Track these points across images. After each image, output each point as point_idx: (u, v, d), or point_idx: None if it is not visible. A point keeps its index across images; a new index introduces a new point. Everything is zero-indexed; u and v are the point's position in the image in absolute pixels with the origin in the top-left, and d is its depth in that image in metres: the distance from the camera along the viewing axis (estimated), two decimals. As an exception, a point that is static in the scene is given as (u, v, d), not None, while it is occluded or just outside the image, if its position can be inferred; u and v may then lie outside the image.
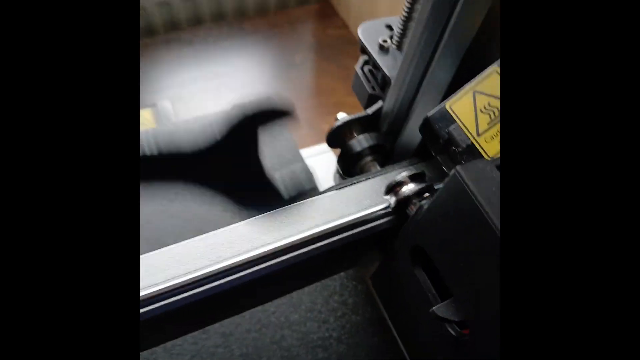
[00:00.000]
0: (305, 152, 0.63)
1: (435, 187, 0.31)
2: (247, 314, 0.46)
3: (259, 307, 0.46)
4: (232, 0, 1.17)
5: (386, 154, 0.36)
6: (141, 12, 1.07)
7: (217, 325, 0.45)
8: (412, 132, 0.34)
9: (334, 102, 0.99)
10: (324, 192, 0.32)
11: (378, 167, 0.36)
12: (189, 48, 1.06)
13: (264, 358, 0.43)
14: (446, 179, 0.23)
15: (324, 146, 0.70)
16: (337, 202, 0.31)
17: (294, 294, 0.48)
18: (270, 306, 0.46)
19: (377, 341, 0.45)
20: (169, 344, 0.44)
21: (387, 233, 0.31)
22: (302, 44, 1.13)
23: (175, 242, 0.29)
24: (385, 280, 0.35)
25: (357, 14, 1.11)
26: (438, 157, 0.26)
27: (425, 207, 0.26)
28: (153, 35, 1.10)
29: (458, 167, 0.22)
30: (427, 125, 0.26)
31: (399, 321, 0.35)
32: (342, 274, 0.50)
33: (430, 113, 0.26)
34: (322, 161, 0.66)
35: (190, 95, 0.97)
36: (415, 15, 0.34)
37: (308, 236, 0.29)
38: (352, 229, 0.30)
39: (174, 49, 1.05)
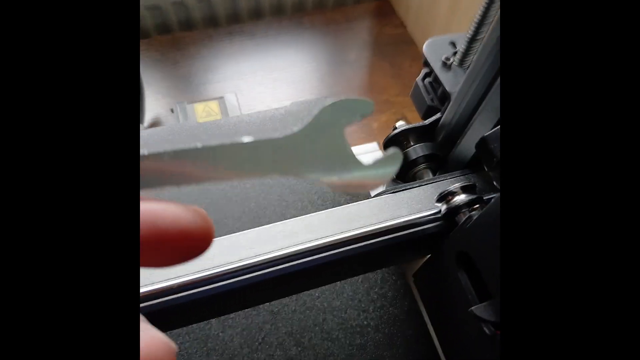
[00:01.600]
0: (355, 150, 0.66)
1: (485, 198, 0.34)
2: (294, 296, 0.50)
3: (306, 292, 0.51)
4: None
5: (439, 163, 0.39)
6: (204, 3, 1.12)
7: (266, 304, 0.49)
8: (466, 146, 0.36)
9: (384, 100, 1.02)
10: (380, 193, 0.36)
11: (430, 175, 0.39)
12: (250, 41, 1.11)
13: (306, 337, 0.48)
14: (497, 196, 0.26)
15: (372, 145, 0.73)
16: (392, 204, 0.34)
17: (338, 283, 0.51)
18: (315, 291, 0.51)
19: (412, 333, 0.48)
20: (222, 317, 0.49)
21: (435, 237, 0.34)
22: (357, 41, 1.15)
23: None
24: (427, 279, 0.38)
25: (415, 13, 1.12)
26: (491, 173, 0.29)
27: (475, 217, 0.28)
28: (216, 26, 1.16)
29: (510, 187, 0.24)
30: (483, 144, 0.29)
31: (436, 317, 0.38)
32: (384, 269, 0.53)
33: (487, 134, 0.29)
34: (369, 160, 0.69)
35: (248, 87, 1.02)
36: (481, 36, 0.37)
37: (362, 233, 0.32)
38: (403, 230, 0.33)
39: (236, 41, 1.10)
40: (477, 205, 0.31)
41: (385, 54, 1.10)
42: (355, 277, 0.53)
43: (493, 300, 0.28)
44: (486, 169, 0.29)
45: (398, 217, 0.33)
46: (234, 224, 0.54)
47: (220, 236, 0.32)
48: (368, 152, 0.71)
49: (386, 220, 0.33)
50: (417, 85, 0.43)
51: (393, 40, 1.14)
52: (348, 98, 0.16)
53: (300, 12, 1.22)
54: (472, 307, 0.29)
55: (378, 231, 0.33)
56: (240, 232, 0.32)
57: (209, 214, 0.14)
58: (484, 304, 0.28)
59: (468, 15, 0.92)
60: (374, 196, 0.36)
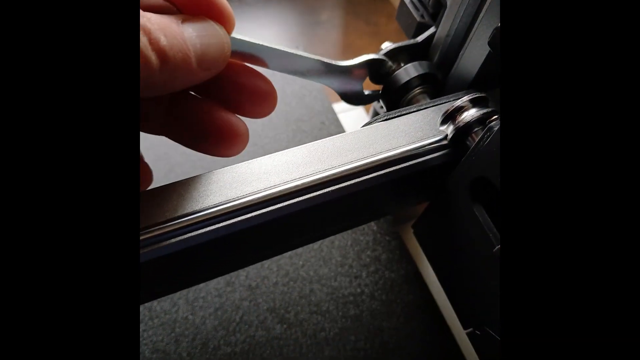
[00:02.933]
0: (335, 107, 0.59)
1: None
2: (274, 266, 0.43)
3: (287, 260, 0.44)
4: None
5: (437, 87, 0.32)
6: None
7: (242, 277, 0.42)
8: (470, 58, 0.29)
9: (361, 62, 0.94)
10: (368, 123, 0.29)
11: (428, 100, 0.32)
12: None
13: (292, 312, 0.41)
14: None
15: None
16: (385, 133, 0.27)
17: (324, 247, 0.45)
18: (298, 259, 0.44)
19: (413, 298, 0.42)
20: (191, 296, 0.42)
21: (442, 169, 0.28)
22: (329, 0, 1.07)
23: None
24: (432, 227, 0.32)
25: (388, -32, 1.05)
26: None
27: (496, 128, 0.22)
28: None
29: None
30: (497, 38, 0.22)
31: (446, 273, 0.31)
32: (374, 228, 0.46)
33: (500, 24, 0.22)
34: (351, 117, 0.62)
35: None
36: None
37: (347, 170, 0.25)
38: (399, 163, 0.26)
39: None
40: (495, 117, 0.24)
41: (359, 12, 1.02)
42: (344, 240, 0.46)
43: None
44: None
45: (393, 149, 0.27)
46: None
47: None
48: (349, 109, 0.64)
49: (378, 153, 0.26)
50: (402, 3, 0.36)
51: (367, -3, 1.06)
52: None
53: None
54: (497, 247, 0.22)
55: (368, 167, 0.26)
56: (200, 175, 0.25)
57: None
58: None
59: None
60: (362, 126, 0.29)
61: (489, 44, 0.23)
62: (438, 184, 0.29)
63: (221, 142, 0.25)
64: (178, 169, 0.49)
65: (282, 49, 0.26)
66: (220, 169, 0.25)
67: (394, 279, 0.43)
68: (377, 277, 0.43)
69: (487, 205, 0.25)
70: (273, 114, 0.55)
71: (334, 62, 0.29)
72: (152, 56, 0.17)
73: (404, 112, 0.28)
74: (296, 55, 0.27)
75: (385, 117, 0.28)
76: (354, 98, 0.33)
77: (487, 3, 0.26)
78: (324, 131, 0.53)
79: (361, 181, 0.26)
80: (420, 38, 0.32)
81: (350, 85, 0.32)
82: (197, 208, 0.23)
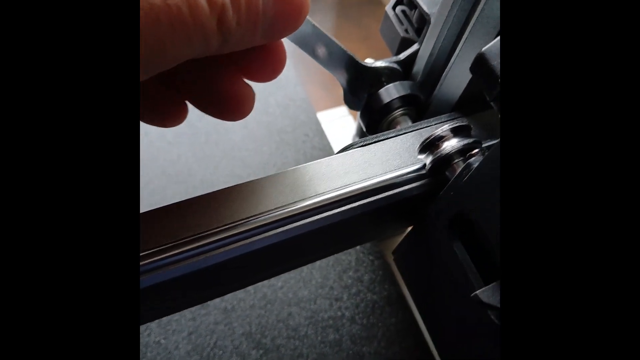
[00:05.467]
0: (320, 116, 0.57)
1: (484, 145, 0.26)
2: (251, 288, 0.41)
3: (265, 282, 0.42)
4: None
5: (420, 108, 0.31)
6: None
7: (218, 300, 0.41)
8: (453, 80, 0.28)
9: (352, 67, 0.93)
10: (345, 148, 0.27)
11: (410, 123, 0.30)
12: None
13: (269, 337, 0.39)
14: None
15: (342, 110, 0.64)
16: (360, 161, 0.26)
17: (304, 268, 0.43)
18: (277, 281, 0.42)
19: (396, 322, 0.40)
20: (164, 319, 0.40)
21: (419, 200, 0.26)
22: (320, 3, 1.05)
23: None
24: (411, 256, 0.30)
25: (381, -29, 1.03)
26: (494, 105, 0.21)
27: (475, 165, 0.20)
28: None
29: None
30: (481, 63, 0.20)
31: (425, 303, 0.30)
32: (358, 247, 0.45)
33: (486, 47, 0.20)
34: (338, 126, 0.60)
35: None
36: None
37: (321, 202, 0.24)
38: (374, 194, 0.25)
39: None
40: (477, 150, 0.22)
41: (350, 15, 1.01)
42: (326, 260, 0.44)
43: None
44: (487, 99, 0.21)
45: (369, 178, 0.25)
46: (176, 206, 0.45)
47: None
48: (337, 118, 0.62)
49: (353, 184, 0.25)
50: (387, 16, 0.34)
51: (358, 1, 1.04)
52: None
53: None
54: (477, 292, 0.21)
55: (342, 198, 0.24)
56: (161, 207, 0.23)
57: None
58: (491, 286, 0.20)
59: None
60: (338, 152, 0.27)
61: (471, 70, 0.21)
62: (418, 211, 0.27)
63: (232, 107, 0.23)
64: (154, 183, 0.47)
65: (319, 29, 0.27)
66: (189, 199, 0.23)
67: (376, 301, 0.42)
68: (358, 299, 0.42)
69: (466, 242, 0.24)
70: (255, 124, 0.53)
71: (359, 60, 0.29)
72: (214, 34, 0.15)
73: (382, 138, 0.27)
74: (325, 33, 0.27)
75: (363, 143, 0.27)
76: (357, 102, 0.32)
77: (471, 23, 0.25)
78: (307, 144, 0.52)
79: (335, 214, 0.24)
80: (402, 55, 0.31)
81: (361, 89, 0.31)
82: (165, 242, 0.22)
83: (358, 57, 0.28)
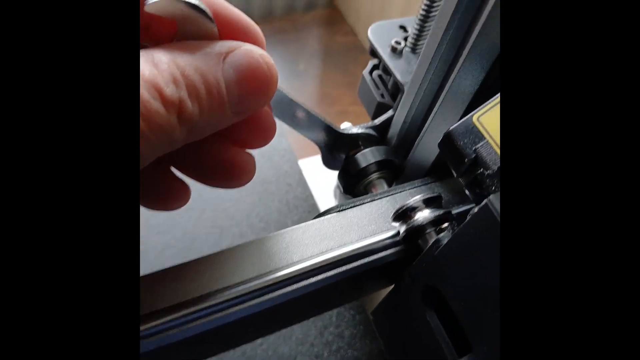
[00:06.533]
0: (304, 163, 0.58)
1: (454, 212, 0.26)
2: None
3: (245, 337, 0.41)
4: (237, 5, 1.13)
5: (395, 172, 0.31)
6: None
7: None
8: (426, 147, 0.29)
9: (337, 110, 0.95)
10: (323, 213, 0.27)
11: (385, 186, 0.31)
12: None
13: (247, 396, 0.38)
14: (473, 211, 0.18)
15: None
16: (337, 227, 0.26)
17: (285, 322, 0.42)
18: (257, 336, 0.41)
19: (377, 381, 0.40)
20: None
21: (395, 265, 0.26)
22: (307, 51, 1.09)
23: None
24: (388, 320, 0.30)
25: (366, 20, 1.08)
26: (461, 180, 0.21)
27: (444, 242, 0.21)
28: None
29: (491, 198, 0.17)
30: (448, 142, 0.21)
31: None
32: (339, 302, 0.44)
33: (453, 127, 0.21)
34: (322, 174, 0.61)
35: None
36: (435, 12, 0.30)
37: (298, 270, 0.24)
38: (351, 261, 0.25)
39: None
40: (446, 225, 0.23)
41: (336, 63, 1.04)
42: (307, 314, 0.44)
43: (474, 351, 0.20)
44: (455, 175, 0.22)
45: (346, 244, 0.25)
46: (156, 258, 0.45)
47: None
48: (319, 164, 0.63)
49: (330, 250, 0.25)
50: (363, 80, 0.36)
51: (344, 48, 1.08)
52: None
53: (245, 22, 1.15)
54: (451, 363, 0.21)
55: (319, 265, 0.24)
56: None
57: None
58: (464, 358, 0.21)
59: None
60: (315, 217, 0.27)
61: (439, 146, 0.22)
62: (396, 273, 0.28)
63: (234, 175, 0.24)
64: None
65: (293, 99, 0.27)
66: (160, 271, 0.23)
67: (357, 357, 0.41)
68: (339, 356, 0.41)
69: (440, 311, 0.24)
70: (239, 175, 0.54)
71: (333, 126, 0.29)
72: (177, 129, 0.16)
73: (358, 203, 0.28)
74: (301, 104, 0.28)
75: (339, 209, 0.27)
76: (335, 163, 0.32)
77: (442, 97, 0.26)
78: (290, 194, 0.52)
79: (312, 282, 0.24)
80: (378, 121, 0.32)
81: (338, 152, 0.32)
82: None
83: (334, 125, 0.30)
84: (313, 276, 0.24)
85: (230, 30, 0.20)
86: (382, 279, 0.29)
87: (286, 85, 0.98)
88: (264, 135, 0.24)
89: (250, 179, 0.25)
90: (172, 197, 0.24)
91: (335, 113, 0.95)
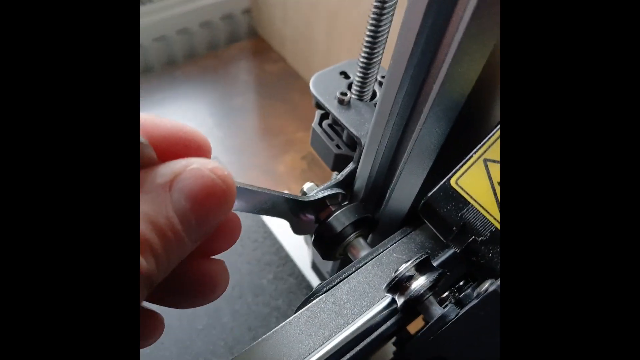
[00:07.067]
0: (265, 221, 0.56)
1: (438, 258, 0.25)
2: None
3: None
4: (158, 49, 1.09)
5: (370, 224, 0.30)
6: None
7: None
8: (398, 201, 0.28)
9: (284, 140, 0.93)
10: (308, 299, 0.25)
11: (363, 243, 0.29)
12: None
13: None
14: (481, 296, 0.17)
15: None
16: (329, 311, 0.24)
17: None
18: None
19: None
20: None
21: (395, 332, 0.25)
22: (239, 85, 1.06)
23: None
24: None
25: (292, 44, 1.07)
26: (452, 246, 0.20)
27: (451, 317, 0.19)
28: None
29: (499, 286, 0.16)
30: (429, 210, 0.20)
31: None
32: None
33: (431, 193, 0.20)
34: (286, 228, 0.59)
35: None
36: (377, 57, 0.29)
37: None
38: (352, 347, 0.23)
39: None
40: (447, 294, 0.22)
41: (271, 92, 1.02)
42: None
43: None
44: (445, 242, 0.20)
45: (342, 330, 0.23)
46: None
47: None
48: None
49: (326, 343, 0.23)
50: (314, 132, 0.34)
51: (276, 76, 1.07)
52: None
53: (170, 66, 1.10)
54: None
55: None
56: None
57: None
58: None
59: (346, 37, 0.88)
60: (302, 303, 0.25)
61: (420, 214, 0.21)
62: (395, 336, 0.26)
63: (205, 292, 0.21)
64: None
65: (246, 186, 0.23)
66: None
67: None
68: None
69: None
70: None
71: (297, 198, 0.27)
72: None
73: (343, 277, 0.26)
74: (260, 191, 0.24)
75: (326, 289, 0.25)
76: (305, 229, 0.30)
77: (407, 153, 0.25)
78: (258, 251, 0.50)
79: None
80: (341, 176, 0.30)
81: (306, 218, 0.29)
82: None
83: (296, 196, 0.28)
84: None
85: (167, 146, 0.17)
86: (384, 342, 0.28)
87: (226, 122, 0.95)
88: (230, 236, 0.22)
89: (226, 287, 0.22)
90: (146, 333, 0.21)
91: (281, 144, 0.93)
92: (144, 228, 0.14)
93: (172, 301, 0.21)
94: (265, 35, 1.17)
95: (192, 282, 0.21)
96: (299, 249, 0.51)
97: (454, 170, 0.20)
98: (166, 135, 0.17)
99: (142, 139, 0.15)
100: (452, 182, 0.20)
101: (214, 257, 0.22)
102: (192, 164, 0.16)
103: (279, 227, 0.54)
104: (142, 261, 0.14)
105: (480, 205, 0.19)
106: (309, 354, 0.23)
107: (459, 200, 0.19)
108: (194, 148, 0.18)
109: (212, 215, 0.16)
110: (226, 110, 0.99)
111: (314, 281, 0.49)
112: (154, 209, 0.15)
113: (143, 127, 0.17)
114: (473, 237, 0.19)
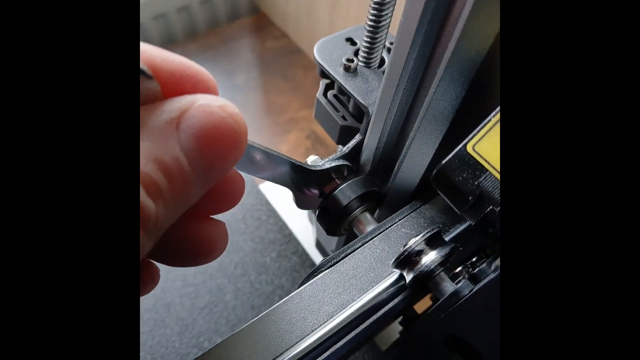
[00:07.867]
0: (267, 189, 0.54)
1: (450, 233, 0.24)
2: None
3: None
4: (157, 28, 1.06)
5: (377, 199, 0.29)
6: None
7: None
8: (407, 173, 0.26)
9: (287, 118, 0.91)
10: (313, 273, 0.24)
11: (369, 218, 0.28)
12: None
13: None
14: (497, 263, 0.16)
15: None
16: (332, 287, 0.23)
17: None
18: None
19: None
20: None
21: (404, 309, 0.24)
22: (241, 62, 1.04)
23: None
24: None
25: (295, 19, 1.04)
26: (466, 217, 0.19)
27: (465, 293, 0.18)
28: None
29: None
30: (443, 179, 0.19)
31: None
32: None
33: (446, 160, 0.19)
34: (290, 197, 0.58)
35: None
36: (385, 21, 0.27)
37: (302, 351, 0.21)
38: (358, 324, 0.22)
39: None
40: (460, 268, 0.20)
41: (274, 69, 1.00)
42: None
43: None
44: (457, 212, 0.19)
45: (347, 307, 0.22)
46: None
47: None
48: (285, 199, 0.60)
49: (331, 319, 0.22)
50: (319, 103, 0.33)
51: (279, 53, 1.04)
52: None
53: (170, 44, 1.08)
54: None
55: (321, 341, 0.21)
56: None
57: None
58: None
59: (351, 11, 0.85)
60: (305, 278, 0.24)
61: (433, 184, 0.19)
62: (403, 313, 0.25)
63: (202, 253, 0.19)
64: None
65: (253, 143, 0.21)
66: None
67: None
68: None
69: (465, 354, 0.21)
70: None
71: (303, 164, 0.26)
72: (143, 245, 0.13)
73: (349, 252, 0.24)
74: (267, 150, 0.22)
75: (330, 264, 0.24)
76: (309, 202, 0.29)
77: (419, 120, 0.23)
78: (262, 229, 0.48)
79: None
80: (346, 149, 0.29)
81: (310, 193, 0.28)
82: None
83: (300, 162, 0.26)
84: (320, 354, 0.21)
85: (174, 83, 0.16)
86: (391, 321, 0.26)
87: (229, 100, 0.93)
88: (232, 195, 0.20)
89: (224, 250, 0.21)
90: (142, 284, 0.19)
91: (285, 122, 0.91)
92: (151, 168, 0.13)
93: (165, 258, 0.20)
94: (267, 11, 1.14)
95: (190, 241, 0.19)
96: (302, 227, 0.50)
97: (470, 136, 0.18)
98: (174, 72, 0.16)
99: (142, 65, 0.13)
100: (469, 148, 0.18)
101: (213, 217, 0.21)
102: (199, 100, 0.14)
103: (283, 205, 0.53)
104: (151, 204, 0.12)
105: (498, 172, 0.17)
106: (312, 331, 0.22)
107: (475, 168, 0.18)
108: (202, 89, 0.16)
109: (222, 157, 0.15)
110: (228, 89, 0.97)
111: (318, 259, 0.48)
112: (160, 147, 0.13)
113: (152, 61, 0.15)
114: (491, 207, 0.17)
